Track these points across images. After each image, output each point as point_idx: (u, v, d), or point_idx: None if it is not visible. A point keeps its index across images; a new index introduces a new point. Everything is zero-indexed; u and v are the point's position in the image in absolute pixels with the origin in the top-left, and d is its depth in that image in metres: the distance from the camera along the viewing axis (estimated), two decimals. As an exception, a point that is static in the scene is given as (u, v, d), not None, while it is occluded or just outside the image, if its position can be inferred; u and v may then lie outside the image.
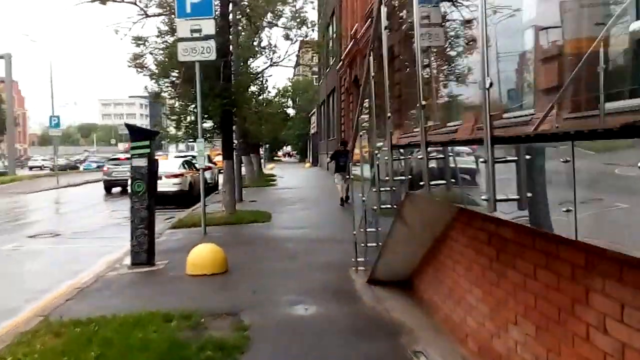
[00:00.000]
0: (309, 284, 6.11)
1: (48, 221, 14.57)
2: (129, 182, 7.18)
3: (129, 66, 11.42)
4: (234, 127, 14.78)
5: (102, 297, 5.87)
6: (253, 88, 28.19)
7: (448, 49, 3.88)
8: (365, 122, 6.07)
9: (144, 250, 7.11)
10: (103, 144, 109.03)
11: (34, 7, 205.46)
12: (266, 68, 17.59)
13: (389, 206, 4.66)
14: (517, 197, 2.29)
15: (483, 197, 2.51)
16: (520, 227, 2.72)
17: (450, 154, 3.14)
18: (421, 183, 3.43)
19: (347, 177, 15.51)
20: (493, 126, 2.37)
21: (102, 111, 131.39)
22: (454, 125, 3.58)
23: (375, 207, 5.08)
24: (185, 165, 18.30)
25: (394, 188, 4.57)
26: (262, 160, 54.29)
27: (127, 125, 7.21)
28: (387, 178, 4.58)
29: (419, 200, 4.05)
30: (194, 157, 23.41)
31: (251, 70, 13.80)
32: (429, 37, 3.67)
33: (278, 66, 30.28)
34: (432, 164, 3.35)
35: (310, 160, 52.18)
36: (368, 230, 5.62)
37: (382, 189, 4.81)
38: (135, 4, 10.96)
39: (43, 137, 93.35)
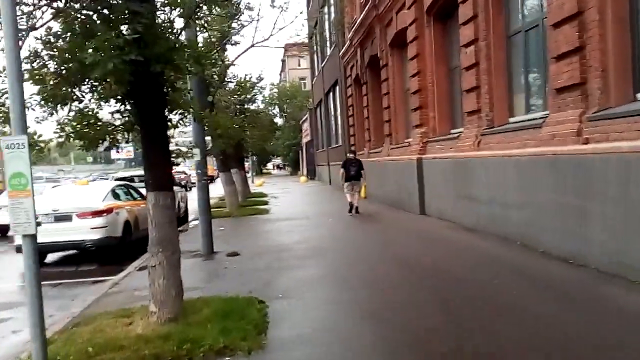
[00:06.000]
0: None
1: None
2: None
3: None
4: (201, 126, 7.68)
5: None
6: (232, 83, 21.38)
7: None
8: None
9: None
10: (82, 162, 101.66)
11: None
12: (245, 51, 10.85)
13: None
14: None
15: None
16: None
17: None
18: None
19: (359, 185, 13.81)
20: None
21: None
22: None
23: None
24: (118, 195, 11.10)
25: None
26: (251, 174, 47.31)
27: None
28: None
29: None
30: (131, 178, 15.34)
31: None
32: None
33: (262, 46, 22.95)
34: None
35: (306, 173, 45.00)
36: None
37: None
38: None
39: None
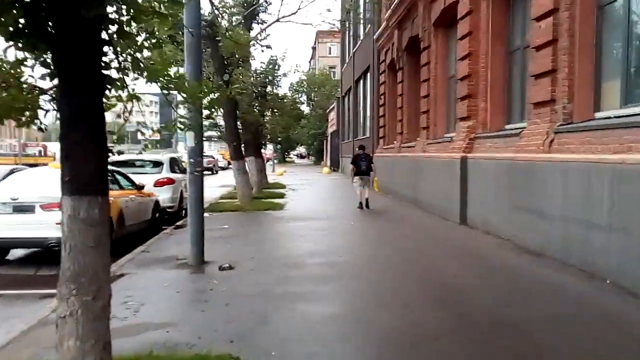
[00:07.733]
0: None
1: None
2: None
3: None
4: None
5: None
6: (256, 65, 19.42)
7: None
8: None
9: None
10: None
11: None
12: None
13: None
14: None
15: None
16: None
17: None
18: None
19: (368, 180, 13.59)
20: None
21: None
22: None
23: None
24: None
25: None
26: (272, 163, 45.42)
27: None
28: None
29: None
30: (130, 162, 12.75)
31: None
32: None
33: (288, 21, 21.61)
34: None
35: (329, 164, 43.05)
36: None
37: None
38: None
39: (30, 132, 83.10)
